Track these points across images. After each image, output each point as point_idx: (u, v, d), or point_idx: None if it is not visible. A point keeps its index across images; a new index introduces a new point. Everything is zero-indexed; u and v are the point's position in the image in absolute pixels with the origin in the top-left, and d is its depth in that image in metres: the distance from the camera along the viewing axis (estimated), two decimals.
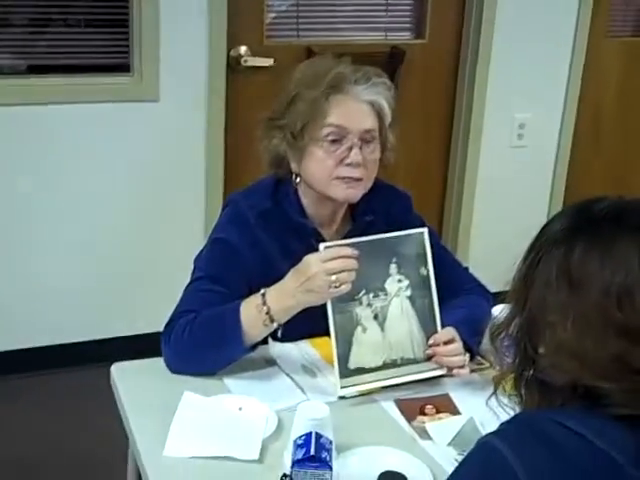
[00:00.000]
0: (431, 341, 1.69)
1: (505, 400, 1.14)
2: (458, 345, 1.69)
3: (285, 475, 1.28)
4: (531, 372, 1.07)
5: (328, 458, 1.31)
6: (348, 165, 1.70)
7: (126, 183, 3.00)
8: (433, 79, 3.42)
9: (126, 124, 2.94)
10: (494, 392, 1.13)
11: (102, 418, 1.76)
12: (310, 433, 1.34)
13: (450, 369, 1.69)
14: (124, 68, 2.95)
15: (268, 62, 3.08)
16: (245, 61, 3.06)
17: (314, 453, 1.30)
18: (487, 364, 1.77)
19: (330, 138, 1.69)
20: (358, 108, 1.70)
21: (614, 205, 1.04)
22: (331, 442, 1.35)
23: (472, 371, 1.72)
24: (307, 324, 1.69)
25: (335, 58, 1.76)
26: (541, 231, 1.08)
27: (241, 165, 3.09)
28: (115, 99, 2.92)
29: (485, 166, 3.50)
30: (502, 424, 1.04)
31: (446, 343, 1.69)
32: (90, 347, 3.05)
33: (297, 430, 1.38)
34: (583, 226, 1.03)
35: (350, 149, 1.69)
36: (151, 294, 3.07)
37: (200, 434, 1.48)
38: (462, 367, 1.68)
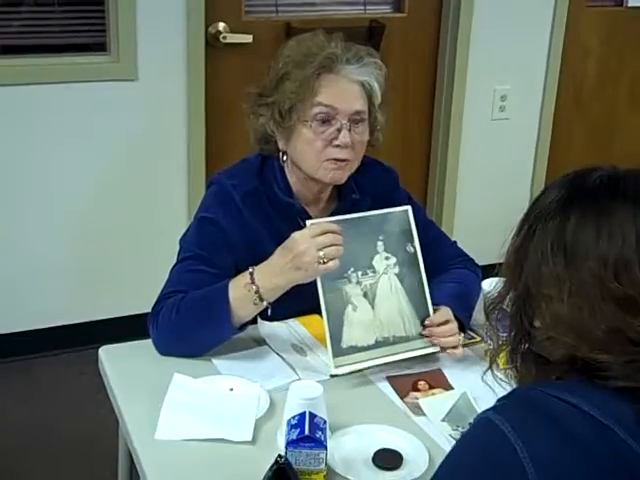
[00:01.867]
0: (427, 322, 1.68)
1: (500, 375, 1.12)
2: (453, 325, 1.68)
3: (280, 456, 1.26)
4: (527, 346, 1.06)
5: (323, 437, 1.30)
6: (336, 146, 1.67)
7: (107, 164, 2.95)
8: (413, 53, 3.39)
9: (105, 104, 2.89)
10: (489, 367, 1.12)
11: (91, 402, 1.74)
12: (304, 413, 1.33)
13: (444, 348, 1.68)
14: (101, 47, 2.89)
15: (247, 39, 3.04)
16: (224, 38, 3.01)
17: (308, 433, 1.28)
18: (478, 338, 1.77)
19: (319, 118, 1.66)
20: (348, 88, 1.68)
21: (608, 175, 1.02)
22: (325, 421, 1.34)
23: (464, 346, 1.71)
24: (296, 302, 1.67)
25: (326, 34, 1.72)
26: (534, 203, 1.07)
27: (223, 143, 3.05)
28: (93, 79, 2.86)
29: (467, 139, 3.49)
30: (499, 399, 1.02)
31: (441, 324, 1.68)
32: (76, 330, 3.02)
33: (290, 410, 1.37)
34: (577, 196, 1.01)
35: (339, 130, 1.67)
36: (135, 274, 3.05)
37: (191, 416, 1.46)
38: (456, 347, 1.67)
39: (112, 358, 1.67)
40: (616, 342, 0.95)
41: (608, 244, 0.95)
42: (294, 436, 1.29)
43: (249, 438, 1.42)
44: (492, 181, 3.58)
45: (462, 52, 3.35)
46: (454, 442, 1.43)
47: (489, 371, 1.13)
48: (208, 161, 3.08)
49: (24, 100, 2.80)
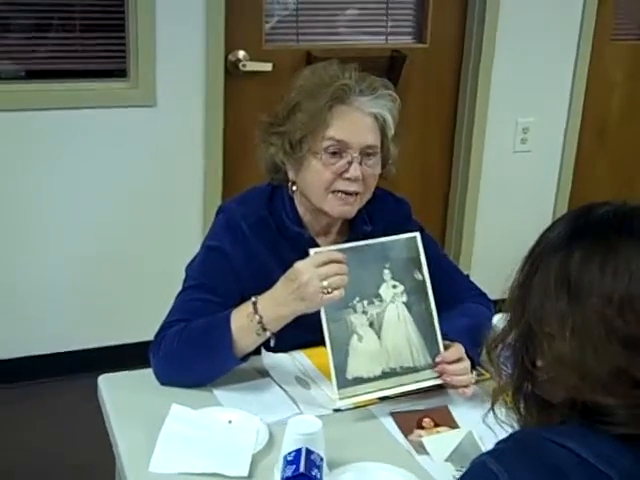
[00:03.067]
0: (439, 359, 1.64)
1: (503, 416, 1.07)
2: (466, 364, 1.63)
3: None
4: (529, 387, 1.01)
5: (318, 476, 1.26)
6: (346, 179, 1.64)
7: (124, 189, 2.95)
8: (435, 84, 3.37)
9: (123, 129, 2.90)
10: (491, 407, 1.07)
11: (91, 431, 1.70)
12: (300, 449, 1.29)
13: (455, 387, 1.63)
14: (121, 73, 2.90)
15: (267, 67, 3.04)
16: (244, 66, 3.01)
17: (304, 470, 1.25)
18: (487, 375, 1.71)
19: (330, 150, 1.64)
20: (361, 121, 1.65)
21: (616, 210, 0.99)
22: (322, 459, 1.30)
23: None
24: (300, 333, 1.63)
25: (340, 64, 1.70)
26: (540, 238, 1.03)
27: (240, 171, 3.04)
28: (112, 104, 2.87)
29: (488, 172, 3.45)
30: (498, 443, 0.98)
31: (453, 361, 1.63)
32: (78, 356, 2.99)
33: (287, 445, 1.33)
34: (583, 231, 0.97)
35: (349, 163, 1.64)
36: (147, 301, 3.02)
37: (187, 449, 1.42)
38: (467, 386, 1.62)
39: (111, 387, 1.64)
40: (620, 384, 0.90)
41: (613, 280, 0.91)
42: (289, 473, 1.25)
43: (245, 473, 1.38)
44: (512, 215, 3.53)
45: (484, 83, 3.33)
46: None
47: (492, 412, 1.09)
48: (225, 189, 3.07)
49: (43, 125, 2.81)
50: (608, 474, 0.87)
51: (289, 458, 1.28)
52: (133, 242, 3.01)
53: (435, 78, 3.36)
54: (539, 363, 0.99)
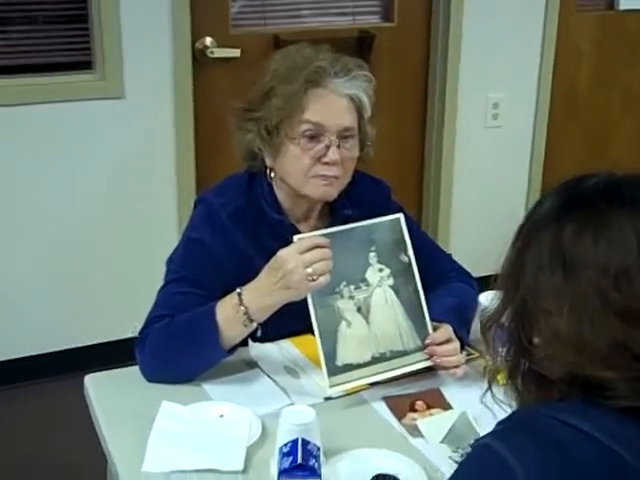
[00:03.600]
0: (428, 341, 1.63)
1: (501, 395, 1.06)
2: (455, 344, 1.63)
3: None
4: (527, 364, 1.00)
5: (316, 465, 1.24)
6: (325, 164, 1.62)
7: (94, 184, 2.90)
8: (404, 63, 3.35)
9: (92, 123, 2.84)
10: (489, 388, 1.06)
11: (79, 431, 1.67)
12: (296, 440, 1.27)
13: (446, 368, 1.62)
14: (86, 65, 2.84)
15: (235, 53, 3.00)
16: (211, 52, 2.96)
17: (301, 461, 1.23)
18: (477, 354, 1.71)
19: (307, 135, 1.61)
20: (337, 103, 1.62)
21: (605, 181, 0.97)
22: (319, 448, 1.28)
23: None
24: (287, 322, 1.62)
25: (313, 46, 1.67)
26: (530, 212, 1.02)
27: (213, 160, 3.00)
28: (79, 98, 2.81)
29: (461, 148, 3.44)
30: (499, 423, 0.97)
31: (443, 342, 1.63)
32: (61, 357, 2.95)
33: (282, 437, 1.31)
34: (574, 204, 0.96)
35: (327, 147, 1.61)
36: (122, 297, 2.99)
37: (180, 446, 1.40)
38: (457, 367, 1.61)
39: (98, 386, 1.61)
40: (619, 358, 0.89)
41: (607, 252, 0.90)
42: (287, 465, 1.23)
43: (240, 467, 1.36)
44: (487, 190, 3.54)
45: (453, 61, 3.31)
46: (453, 464, 1.39)
47: (489, 392, 1.08)
48: (198, 179, 3.03)
49: (8, 121, 2.75)
50: (613, 448, 0.86)
51: (285, 450, 1.26)
52: (107, 237, 2.96)
53: (404, 57, 3.34)
54: (536, 340, 0.98)
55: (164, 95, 2.90)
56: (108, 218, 2.94)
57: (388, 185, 1.87)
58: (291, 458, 1.24)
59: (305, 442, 1.27)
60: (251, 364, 1.67)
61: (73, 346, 2.98)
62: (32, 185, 2.83)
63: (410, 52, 3.35)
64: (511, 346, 1.01)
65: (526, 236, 0.99)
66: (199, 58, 2.96)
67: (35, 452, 2.59)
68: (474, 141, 3.46)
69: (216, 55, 2.97)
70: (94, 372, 1.66)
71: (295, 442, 1.26)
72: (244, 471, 1.36)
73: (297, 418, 1.32)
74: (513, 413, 0.98)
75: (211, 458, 1.37)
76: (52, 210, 2.87)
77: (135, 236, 2.99)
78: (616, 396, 0.90)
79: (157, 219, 3.01)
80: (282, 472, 1.23)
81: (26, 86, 2.77)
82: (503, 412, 1.04)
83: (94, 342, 2.99)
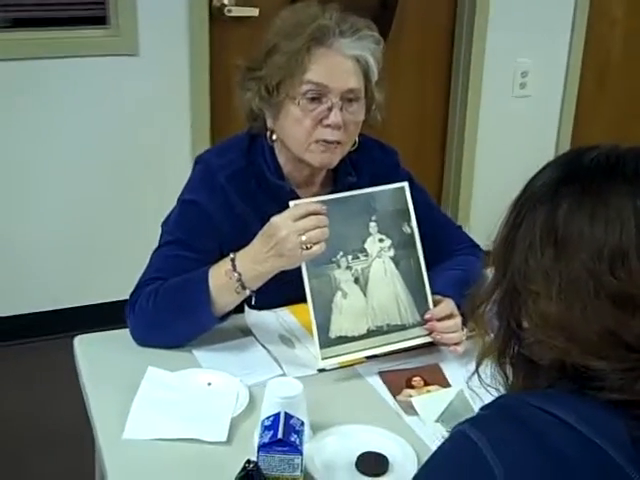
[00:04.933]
0: (427, 316, 1.56)
1: (488, 379, 1.00)
2: (457, 320, 1.55)
3: (249, 461, 1.15)
4: (515, 348, 0.93)
5: (298, 441, 1.19)
6: (327, 126, 1.54)
7: (107, 141, 2.85)
8: (429, 28, 3.24)
9: (105, 80, 2.79)
10: (476, 370, 1.00)
11: (70, 394, 1.63)
12: (279, 413, 1.22)
13: (446, 344, 1.56)
14: (101, 20, 2.78)
15: (253, 12, 2.91)
16: (229, 11, 2.89)
17: (282, 436, 1.17)
18: (485, 329, 1.64)
19: (309, 95, 1.53)
20: (341, 64, 1.54)
21: (607, 154, 0.89)
22: (302, 423, 1.23)
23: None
24: (284, 289, 1.56)
25: (320, 4, 1.59)
26: (525, 187, 0.94)
27: (228, 120, 2.92)
28: (92, 53, 2.76)
29: (486, 118, 3.34)
30: (481, 408, 0.91)
31: (443, 318, 1.56)
32: (56, 316, 2.92)
33: (266, 409, 1.27)
34: (571, 179, 0.88)
35: (330, 109, 1.53)
36: (133, 256, 2.94)
37: (164, 414, 1.35)
38: (458, 343, 1.54)
39: (86, 348, 1.57)
40: (611, 347, 0.82)
41: (604, 233, 0.83)
42: (266, 439, 1.18)
43: (224, 438, 1.31)
44: (512, 163, 3.41)
45: (480, 25, 3.20)
46: None
47: (477, 374, 1.01)
48: (213, 140, 2.96)
49: (20, 75, 2.70)
50: (597, 442, 0.79)
51: (267, 423, 1.21)
52: (119, 196, 2.92)
53: (430, 20, 3.23)
54: (525, 324, 0.91)
55: (179, 53, 2.84)
56: (120, 177, 2.90)
57: (397, 152, 1.79)
58: (271, 432, 1.18)
59: (288, 416, 1.22)
60: (246, 332, 1.62)
61: (85, 303, 2.95)
62: (44, 140, 2.78)
63: (435, 15, 3.24)
64: (500, 328, 0.94)
65: (519, 212, 0.91)
66: (216, 16, 2.89)
67: (25, 413, 2.57)
68: (500, 110, 3.36)
69: (234, 14, 2.89)
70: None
71: (277, 416, 1.21)
72: (228, 442, 1.31)
73: (282, 391, 1.27)
74: (497, 399, 0.92)
75: (194, 428, 1.32)
76: (63, 166, 2.83)
77: (147, 196, 2.94)
78: (606, 387, 0.82)
79: (171, 180, 2.94)
80: (261, 446, 1.18)
81: (39, 40, 2.72)
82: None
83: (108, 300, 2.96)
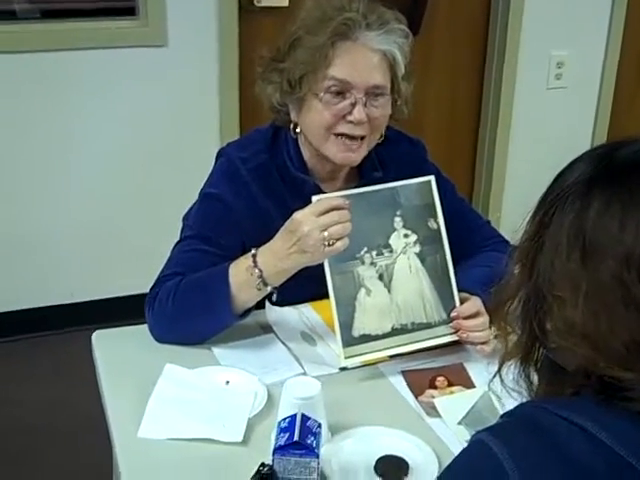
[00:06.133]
0: (454, 314, 1.52)
1: (511, 384, 0.95)
2: (484, 319, 1.50)
3: (263, 464, 1.12)
4: (540, 352, 0.89)
5: (315, 444, 1.15)
6: (349, 122, 1.50)
7: (136, 133, 2.84)
8: (463, 16, 3.18)
9: (134, 71, 2.78)
10: (497, 372, 0.95)
11: (88, 388, 1.62)
12: (295, 415, 1.18)
13: (473, 343, 1.51)
14: (129, 11, 2.77)
15: (283, 2, 2.87)
16: (258, 1, 2.85)
17: (298, 438, 1.14)
18: (509, 329, 1.59)
19: (332, 90, 1.49)
20: (367, 59, 1.49)
21: None
22: (320, 425, 1.19)
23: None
24: (307, 285, 1.52)
25: None
26: (554, 183, 0.89)
27: (258, 114, 2.88)
28: (121, 44, 2.75)
29: (520, 110, 3.27)
30: (503, 415, 0.87)
31: (470, 316, 1.51)
32: (75, 309, 2.92)
33: (283, 410, 1.23)
34: (603, 176, 0.83)
35: (353, 105, 1.49)
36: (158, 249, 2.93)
37: (179, 413, 1.33)
38: (485, 343, 1.49)
39: (104, 344, 1.55)
40: (639, 358, 0.77)
41: (634, 238, 0.77)
42: (282, 441, 1.15)
43: (240, 439, 1.28)
44: (546, 157, 3.33)
45: (515, 15, 3.13)
46: None
47: (499, 377, 0.97)
48: (242, 131, 2.93)
49: (50, 66, 2.70)
50: (622, 454, 0.75)
51: (283, 425, 1.18)
52: (144, 188, 2.91)
53: (463, 10, 3.17)
54: (549, 326, 0.86)
55: (208, 44, 2.81)
56: (146, 169, 2.88)
57: (425, 145, 1.75)
58: (288, 434, 1.15)
59: (305, 418, 1.18)
60: (267, 328, 1.59)
61: (110, 296, 2.95)
62: (70, 132, 2.78)
63: (469, 4, 3.17)
64: (523, 331, 0.89)
65: (547, 211, 0.86)
66: (245, 6, 2.86)
67: (44, 406, 2.57)
68: (535, 102, 3.28)
69: (263, 4, 2.86)
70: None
71: (294, 417, 1.18)
72: (244, 443, 1.28)
73: (300, 391, 1.24)
74: (519, 406, 0.87)
75: (210, 428, 1.29)
76: (88, 157, 2.82)
77: (173, 190, 2.91)
78: (634, 398, 0.78)
79: (198, 173, 2.91)
80: (277, 449, 1.15)
81: (67, 31, 2.71)
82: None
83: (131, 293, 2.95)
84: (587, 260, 0.80)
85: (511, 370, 0.96)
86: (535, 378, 0.92)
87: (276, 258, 1.44)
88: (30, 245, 2.85)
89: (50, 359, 2.78)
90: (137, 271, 2.91)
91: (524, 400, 0.91)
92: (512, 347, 0.93)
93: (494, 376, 0.96)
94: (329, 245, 1.39)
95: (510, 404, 0.96)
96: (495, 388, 0.95)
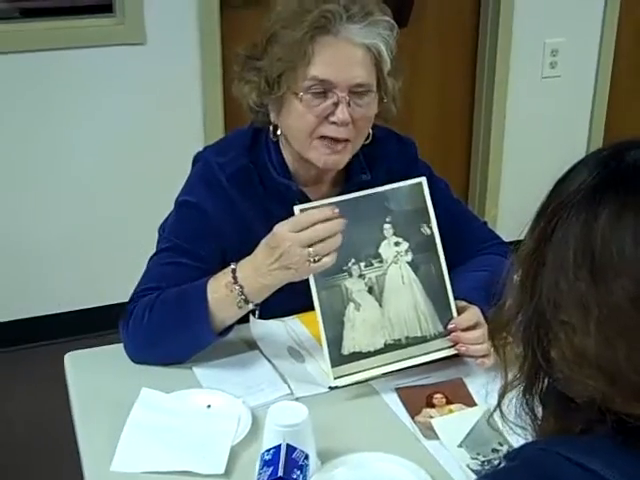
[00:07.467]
0: (451, 326, 1.42)
1: (512, 418, 0.85)
2: (484, 330, 1.39)
3: None
4: (545, 383, 0.79)
5: (301, 477, 1.06)
6: (333, 123, 1.39)
7: (115, 134, 2.72)
8: (453, 5, 3.08)
9: (111, 70, 2.66)
10: (497, 406, 0.85)
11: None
12: (280, 446, 1.09)
13: (473, 357, 1.41)
14: (106, 9, 2.66)
15: None
16: None
17: (282, 474, 1.05)
18: (510, 339, 1.49)
19: (312, 91, 1.38)
20: (349, 55, 1.38)
21: None
22: (307, 456, 1.10)
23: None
24: (292, 299, 1.42)
25: None
26: (555, 189, 0.79)
27: (243, 113, 2.79)
28: (97, 43, 2.64)
29: (515, 100, 3.16)
30: (505, 456, 0.77)
31: (469, 327, 1.41)
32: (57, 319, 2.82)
33: (267, 440, 1.14)
34: (612, 182, 0.73)
35: (336, 105, 1.38)
36: (134, 256, 2.83)
37: (156, 443, 1.23)
38: (486, 356, 1.39)
39: (77, 366, 1.45)
40: None
41: None
42: (265, 477, 1.06)
43: (221, 471, 1.18)
44: (541, 150, 3.24)
45: (507, 2, 3.02)
46: (471, 473, 1.19)
47: (499, 411, 0.87)
48: (227, 131, 2.83)
49: (25, 67, 2.59)
50: None
51: (267, 457, 1.09)
52: (126, 192, 2.80)
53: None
54: (553, 354, 0.76)
55: (189, 41, 2.71)
56: (126, 171, 2.77)
57: (415, 144, 1.64)
58: (271, 469, 1.06)
59: (291, 449, 1.09)
60: (252, 344, 1.49)
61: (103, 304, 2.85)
62: (49, 133, 2.67)
63: None
64: (525, 359, 0.79)
65: (550, 221, 0.76)
66: (227, 1, 2.74)
67: (21, 421, 2.47)
68: (529, 92, 3.18)
69: None
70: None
71: (278, 449, 1.09)
72: (226, 475, 1.19)
73: (285, 418, 1.14)
74: (525, 447, 0.77)
75: (189, 459, 1.20)
76: (70, 161, 2.71)
77: (156, 192, 2.81)
78: None
79: (181, 176, 2.81)
80: None
81: (44, 30, 2.61)
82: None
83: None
84: (598, 279, 0.70)
85: (512, 403, 0.87)
86: (540, 411, 0.82)
87: (257, 274, 1.34)
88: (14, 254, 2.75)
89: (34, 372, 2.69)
90: (124, 280, 2.83)
91: (529, 437, 0.81)
92: (513, 377, 0.83)
93: (494, 410, 0.86)
94: (315, 262, 1.29)
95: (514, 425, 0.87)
96: (495, 423, 0.86)
